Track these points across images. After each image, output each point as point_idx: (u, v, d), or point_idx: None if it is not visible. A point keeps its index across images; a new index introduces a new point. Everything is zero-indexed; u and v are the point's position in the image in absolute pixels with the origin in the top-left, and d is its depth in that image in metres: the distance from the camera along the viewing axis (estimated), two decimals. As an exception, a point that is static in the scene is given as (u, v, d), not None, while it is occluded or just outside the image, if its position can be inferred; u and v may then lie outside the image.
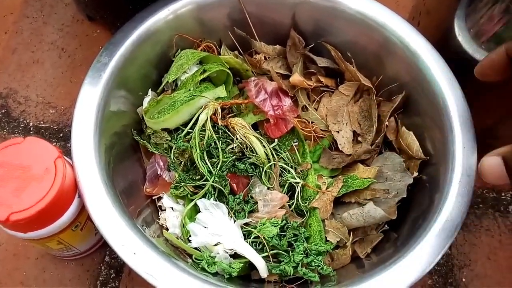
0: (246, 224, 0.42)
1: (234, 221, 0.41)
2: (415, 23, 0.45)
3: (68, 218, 0.39)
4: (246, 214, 0.42)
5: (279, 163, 0.44)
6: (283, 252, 0.40)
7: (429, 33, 0.44)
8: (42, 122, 0.56)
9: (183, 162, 0.44)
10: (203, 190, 0.42)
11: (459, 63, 0.43)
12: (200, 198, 0.42)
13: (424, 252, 0.35)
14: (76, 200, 0.39)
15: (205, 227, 0.40)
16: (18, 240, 0.48)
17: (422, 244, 0.36)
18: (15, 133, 0.56)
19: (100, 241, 0.48)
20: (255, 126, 0.48)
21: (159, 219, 0.44)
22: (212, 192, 0.42)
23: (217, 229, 0.40)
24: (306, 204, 0.43)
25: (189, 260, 0.41)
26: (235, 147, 0.44)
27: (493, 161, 0.29)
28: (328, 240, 0.42)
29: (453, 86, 0.42)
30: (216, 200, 0.42)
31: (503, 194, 0.54)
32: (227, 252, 0.40)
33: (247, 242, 0.40)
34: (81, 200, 0.37)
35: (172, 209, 0.44)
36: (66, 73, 0.59)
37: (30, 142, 0.37)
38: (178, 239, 0.42)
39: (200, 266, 0.39)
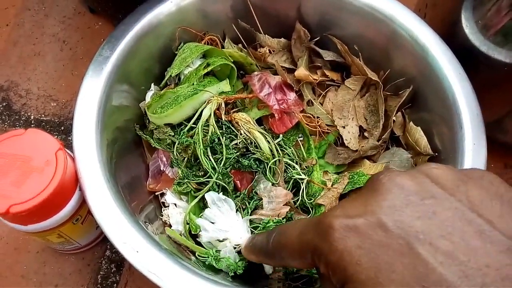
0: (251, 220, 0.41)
1: (242, 216, 0.40)
2: (421, 15, 0.44)
3: (69, 211, 0.38)
4: (249, 212, 0.41)
5: (284, 159, 0.43)
6: (288, 250, 0.40)
7: (435, 26, 0.43)
8: (43, 115, 0.56)
9: (186, 158, 0.43)
10: (206, 187, 0.41)
11: (465, 55, 0.42)
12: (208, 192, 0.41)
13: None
14: (77, 193, 0.38)
15: (213, 223, 0.40)
16: (18, 233, 0.48)
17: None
18: (16, 126, 0.55)
19: (101, 235, 0.47)
20: (259, 121, 0.47)
21: (162, 215, 0.44)
22: (216, 189, 0.41)
23: (224, 225, 0.39)
24: (311, 200, 0.43)
25: (193, 258, 0.40)
26: (239, 142, 0.43)
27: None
28: (334, 238, 0.41)
29: (463, 81, 0.41)
30: (221, 196, 0.41)
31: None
32: (235, 248, 0.39)
33: (253, 239, 0.40)
34: (82, 193, 0.37)
35: (175, 205, 0.43)
36: (68, 66, 0.59)
37: (31, 134, 0.37)
38: (181, 236, 0.41)
39: (206, 263, 0.38)
